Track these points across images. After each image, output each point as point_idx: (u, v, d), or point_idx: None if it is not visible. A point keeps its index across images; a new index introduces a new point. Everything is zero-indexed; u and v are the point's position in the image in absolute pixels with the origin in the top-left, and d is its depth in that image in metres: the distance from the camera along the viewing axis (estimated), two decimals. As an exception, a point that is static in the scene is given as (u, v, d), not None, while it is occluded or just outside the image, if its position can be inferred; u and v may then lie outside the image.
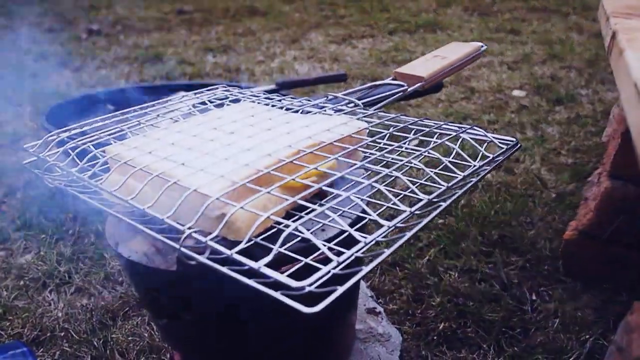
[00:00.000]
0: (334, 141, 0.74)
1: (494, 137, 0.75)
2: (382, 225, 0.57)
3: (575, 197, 1.49)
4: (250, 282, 0.53)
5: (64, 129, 0.86)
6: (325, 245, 0.53)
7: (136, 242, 0.79)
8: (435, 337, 1.05)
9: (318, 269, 0.55)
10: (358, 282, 0.54)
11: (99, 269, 1.27)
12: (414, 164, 0.68)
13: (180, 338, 0.87)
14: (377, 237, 0.57)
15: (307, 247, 0.68)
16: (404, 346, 1.02)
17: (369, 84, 1.04)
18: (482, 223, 1.38)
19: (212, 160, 0.70)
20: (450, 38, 3.18)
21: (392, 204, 0.61)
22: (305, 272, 0.55)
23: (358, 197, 0.61)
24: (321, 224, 0.68)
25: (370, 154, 0.78)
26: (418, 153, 0.69)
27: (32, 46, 3.25)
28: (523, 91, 2.35)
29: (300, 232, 0.56)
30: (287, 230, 0.55)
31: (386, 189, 0.61)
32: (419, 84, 1.03)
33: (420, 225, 0.61)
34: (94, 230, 1.40)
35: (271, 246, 0.57)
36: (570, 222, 1.22)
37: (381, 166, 0.72)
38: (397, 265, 1.24)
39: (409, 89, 1.03)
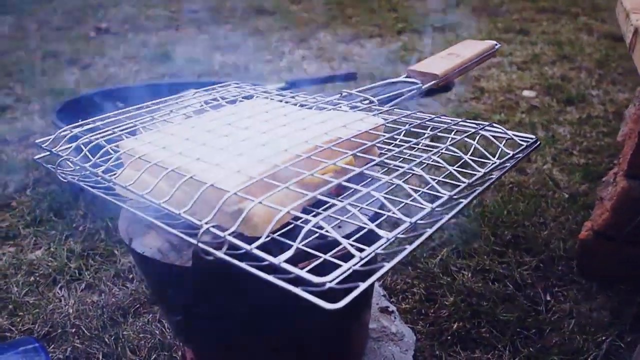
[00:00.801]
0: (351, 137, 0.74)
1: (514, 135, 0.74)
2: (398, 223, 0.56)
3: (588, 197, 1.48)
4: (270, 278, 0.52)
5: (76, 124, 0.85)
6: (348, 242, 0.53)
7: (150, 237, 0.78)
8: (449, 337, 1.03)
9: (334, 265, 0.54)
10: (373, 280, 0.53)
11: (109, 265, 1.26)
12: (434, 160, 0.67)
13: (193, 335, 0.87)
14: (399, 233, 0.56)
15: (324, 243, 0.67)
16: (417, 346, 1.01)
17: (383, 82, 1.03)
18: (494, 223, 1.37)
19: (227, 156, 0.69)
20: (458, 38, 3.16)
21: (412, 200, 0.60)
22: (320, 268, 0.55)
23: (378, 194, 0.60)
24: (338, 220, 0.67)
25: (388, 150, 0.78)
26: (436, 150, 0.69)
27: (40, 44, 3.25)
28: (533, 91, 2.33)
29: (320, 227, 0.56)
30: (308, 226, 0.54)
31: (408, 186, 0.60)
32: (433, 82, 1.02)
33: (442, 222, 0.60)
34: (103, 227, 1.39)
35: (289, 242, 0.56)
36: (584, 223, 1.21)
37: (399, 162, 0.71)
38: (410, 264, 1.23)
39: (423, 87, 1.02)
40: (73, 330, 1.07)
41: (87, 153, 0.77)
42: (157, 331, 1.06)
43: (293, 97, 0.94)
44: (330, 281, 0.49)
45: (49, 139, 0.80)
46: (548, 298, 1.13)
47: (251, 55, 2.98)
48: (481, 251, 1.27)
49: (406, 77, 1.04)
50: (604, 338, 1.02)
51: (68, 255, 1.29)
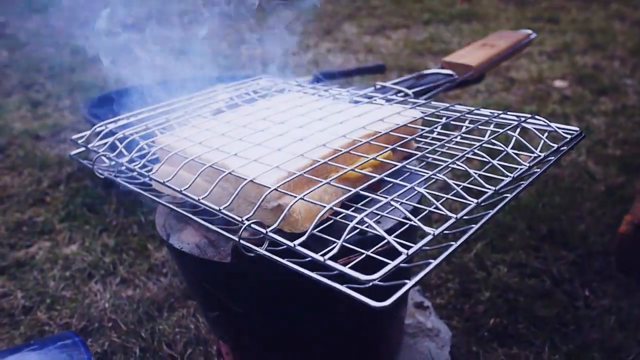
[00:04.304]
0: (390, 131, 0.72)
1: (557, 127, 0.72)
2: (432, 218, 0.55)
3: (625, 190, 1.44)
4: (314, 275, 0.52)
5: (110, 120, 0.85)
6: (393, 238, 0.52)
7: (187, 233, 0.78)
8: (485, 333, 1.02)
9: (373, 261, 0.53)
10: (410, 275, 0.52)
11: (143, 260, 1.27)
12: (474, 154, 0.65)
13: (230, 330, 0.87)
14: (445, 229, 0.55)
15: (364, 239, 0.66)
16: (454, 342, 0.99)
17: (417, 73, 1.01)
18: (529, 216, 1.34)
19: (265, 151, 0.68)
20: (486, 28, 3.11)
21: (454, 194, 0.59)
22: (360, 264, 0.54)
23: (421, 189, 0.59)
24: (378, 216, 0.66)
25: (427, 143, 0.76)
26: (478, 143, 0.67)
27: (68, 40, 3.29)
28: (565, 81, 2.28)
29: (361, 223, 0.55)
30: (353, 222, 0.53)
31: (452, 182, 0.58)
32: (468, 73, 1.00)
33: (487, 217, 0.59)
34: (136, 222, 1.40)
35: (332, 239, 0.55)
36: (624, 216, 1.18)
37: (439, 156, 0.70)
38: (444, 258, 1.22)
39: (458, 79, 1.00)
40: (110, 324, 1.08)
41: (123, 149, 0.77)
42: (192, 326, 1.06)
43: (326, 90, 0.93)
44: (377, 279, 0.48)
45: (84, 135, 0.81)
46: (587, 294, 1.11)
47: (276, 49, 2.97)
48: (516, 245, 1.24)
49: (440, 68, 1.02)
50: (646, 335, 1.00)
51: (102, 250, 1.31)
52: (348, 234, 0.51)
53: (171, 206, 0.70)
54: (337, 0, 4.01)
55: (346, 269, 0.49)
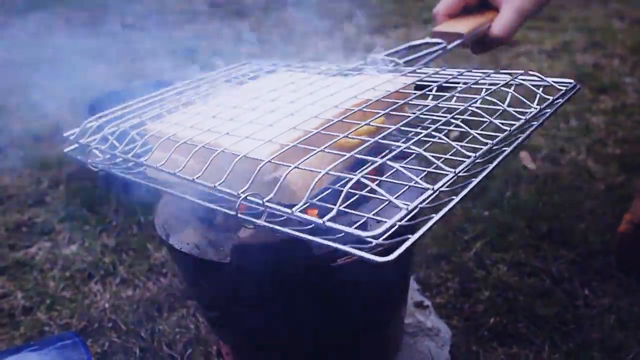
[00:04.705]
0: (382, 98, 0.71)
1: (552, 81, 0.72)
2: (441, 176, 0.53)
3: (625, 189, 1.44)
4: (317, 239, 0.50)
5: (100, 114, 0.84)
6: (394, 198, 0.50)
7: (187, 233, 0.78)
8: (485, 332, 1.02)
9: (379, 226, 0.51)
10: (409, 271, 0.51)
11: (143, 260, 1.27)
12: (474, 109, 0.64)
13: (230, 330, 0.87)
14: (443, 185, 0.53)
15: (367, 204, 0.64)
16: (454, 341, 1.00)
17: (407, 44, 1.00)
18: (529, 215, 1.34)
19: (257, 128, 0.67)
20: (486, 27, 3.10)
21: (454, 152, 0.58)
22: (364, 228, 0.52)
23: (417, 148, 0.57)
24: (378, 181, 0.65)
25: (422, 106, 0.74)
26: (473, 100, 0.66)
27: (67, 40, 3.28)
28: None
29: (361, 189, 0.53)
30: (349, 185, 0.51)
31: (446, 139, 0.58)
32: (458, 41, 0.98)
33: (486, 172, 0.57)
34: (136, 222, 1.40)
35: (330, 205, 0.53)
36: (624, 215, 1.17)
37: (437, 115, 0.68)
38: (443, 258, 1.22)
39: (447, 46, 0.98)
40: (110, 324, 1.08)
41: (114, 141, 0.76)
42: (192, 326, 1.06)
43: (315, 68, 0.92)
44: (379, 235, 0.47)
45: (76, 132, 0.80)
46: (586, 293, 1.11)
47: (276, 49, 2.97)
48: (516, 244, 1.25)
49: (431, 38, 1.01)
50: (646, 334, 1.00)
51: (102, 250, 1.31)
52: (344, 199, 0.50)
53: (169, 190, 0.68)
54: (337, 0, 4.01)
55: (346, 228, 0.48)
